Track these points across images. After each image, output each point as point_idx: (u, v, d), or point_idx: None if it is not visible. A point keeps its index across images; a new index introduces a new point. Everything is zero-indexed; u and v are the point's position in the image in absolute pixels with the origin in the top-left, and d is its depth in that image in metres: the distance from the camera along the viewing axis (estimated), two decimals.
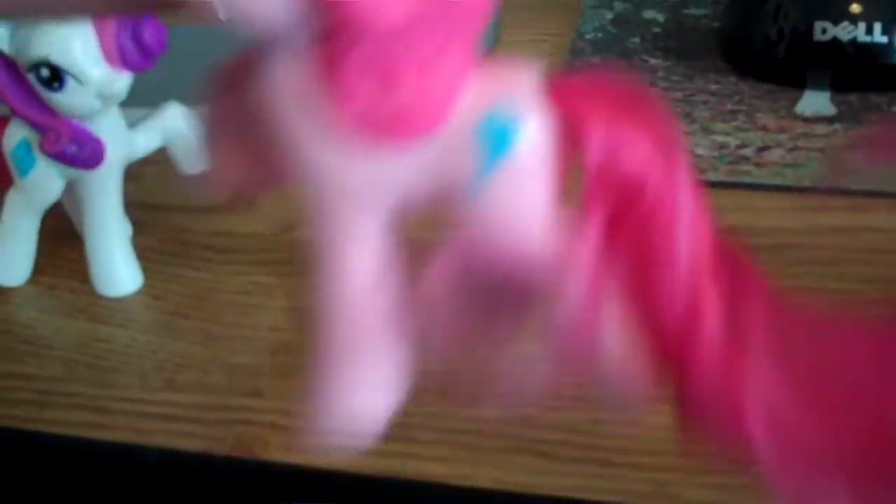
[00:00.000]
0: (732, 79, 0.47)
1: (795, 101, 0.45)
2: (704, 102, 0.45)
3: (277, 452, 0.29)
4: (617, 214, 0.16)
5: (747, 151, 0.41)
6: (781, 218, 0.29)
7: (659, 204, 0.16)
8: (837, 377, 0.16)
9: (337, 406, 0.18)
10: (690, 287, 0.16)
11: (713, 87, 0.47)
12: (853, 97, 0.45)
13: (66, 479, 0.30)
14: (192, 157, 0.35)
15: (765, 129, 0.43)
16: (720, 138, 0.42)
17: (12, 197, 0.35)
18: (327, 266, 0.17)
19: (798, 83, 0.46)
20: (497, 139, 0.15)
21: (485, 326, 0.17)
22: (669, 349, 0.17)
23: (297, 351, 0.32)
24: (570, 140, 0.15)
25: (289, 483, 0.28)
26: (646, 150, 0.16)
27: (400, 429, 0.29)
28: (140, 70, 0.32)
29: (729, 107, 0.45)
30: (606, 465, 0.27)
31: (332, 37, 0.14)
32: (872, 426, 0.16)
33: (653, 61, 0.50)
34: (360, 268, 0.17)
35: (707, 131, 0.43)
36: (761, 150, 0.41)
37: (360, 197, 0.16)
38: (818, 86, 0.45)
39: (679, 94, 0.46)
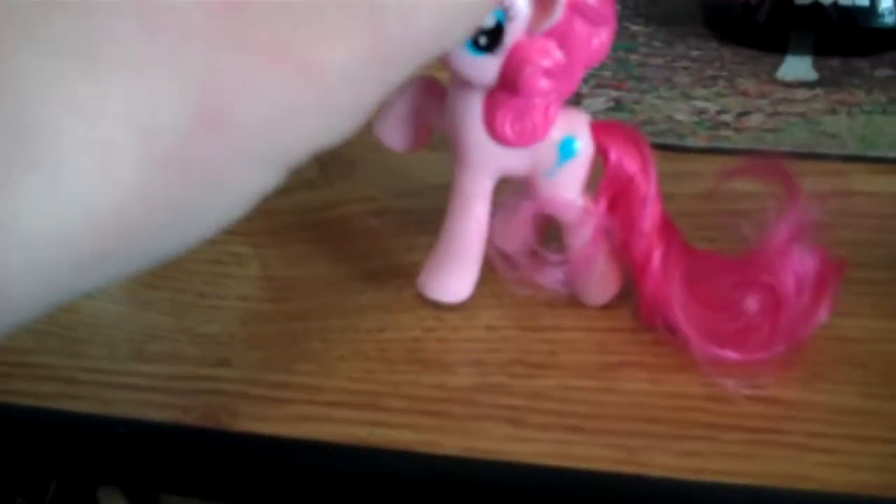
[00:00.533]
0: (714, 44, 0.47)
1: (777, 66, 0.44)
2: (685, 68, 0.45)
3: (246, 422, 0.28)
4: (616, 194, 0.29)
5: (727, 117, 0.41)
6: (758, 184, 0.29)
7: (638, 193, 0.29)
8: (713, 285, 0.30)
9: (444, 284, 0.31)
10: (648, 239, 0.30)
11: (694, 52, 0.46)
12: (835, 62, 0.44)
13: (35, 450, 0.29)
14: None
15: (745, 94, 0.42)
16: (700, 104, 0.42)
17: None
18: (459, 206, 0.30)
19: (779, 48, 0.45)
20: (567, 149, 0.29)
21: (535, 241, 0.30)
22: (635, 270, 0.30)
23: (267, 321, 0.32)
24: (599, 153, 0.29)
25: (257, 452, 0.28)
26: (636, 163, 0.29)
27: (368, 397, 0.29)
28: None
29: (709, 72, 0.44)
30: (577, 432, 0.27)
31: (501, 91, 0.28)
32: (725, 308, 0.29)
33: (634, 28, 0.49)
34: (477, 208, 0.30)
35: (687, 97, 0.43)
36: (741, 115, 0.41)
37: (490, 168, 0.30)
38: (799, 51, 0.45)
39: (660, 60, 0.46)
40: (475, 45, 0.27)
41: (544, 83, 0.27)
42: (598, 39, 0.27)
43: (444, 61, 0.27)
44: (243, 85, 0.17)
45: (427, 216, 0.36)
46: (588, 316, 0.31)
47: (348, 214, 0.37)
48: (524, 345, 0.30)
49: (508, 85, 0.27)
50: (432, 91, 0.30)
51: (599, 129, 0.29)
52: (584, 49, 0.27)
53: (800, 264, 0.28)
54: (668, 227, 0.30)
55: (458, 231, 0.30)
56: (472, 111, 0.28)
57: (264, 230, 0.37)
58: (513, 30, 0.27)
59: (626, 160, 0.29)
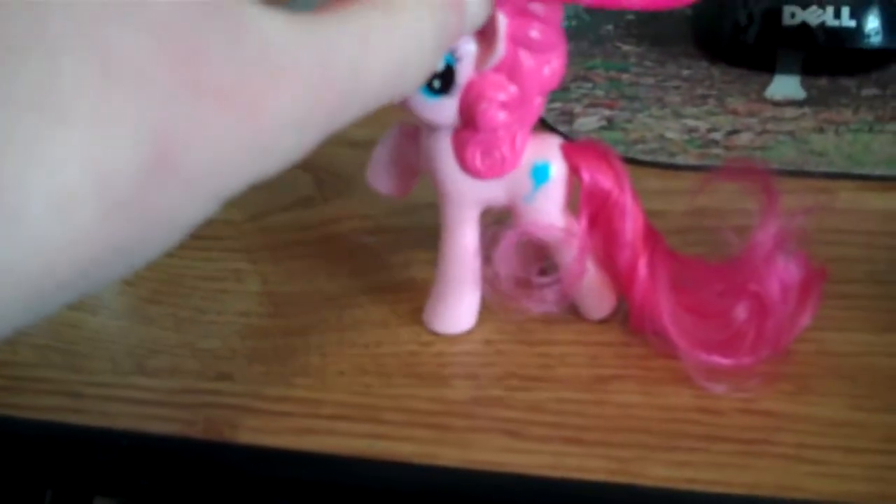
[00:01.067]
0: (704, 64, 0.48)
1: (766, 85, 0.45)
2: (676, 87, 0.46)
3: (247, 435, 0.29)
4: (595, 212, 0.30)
5: (717, 135, 0.42)
6: (747, 201, 0.30)
7: (616, 206, 0.30)
8: (699, 292, 0.31)
9: (444, 316, 0.32)
10: (632, 250, 0.30)
11: (685, 72, 0.47)
12: (823, 81, 0.45)
13: (38, 463, 0.30)
14: None
15: (735, 112, 0.43)
16: (691, 122, 0.43)
17: None
18: (447, 237, 0.31)
19: (768, 67, 0.46)
20: (540, 174, 0.30)
21: (525, 267, 0.31)
22: (621, 283, 0.31)
23: (266, 335, 0.32)
24: (573, 174, 0.30)
25: (258, 464, 0.28)
26: (610, 178, 0.30)
27: (367, 410, 0.30)
28: None
29: (700, 91, 0.45)
30: (572, 443, 0.28)
31: (465, 128, 0.29)
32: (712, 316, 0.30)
33: (626, 48, 0.50)
34: (465, 238, 0.31)
35: (678, 115, 0.43)
36: (731, 133, 0.42)
37: (470, 201, 0.31)
38: (788, 70, 0.46)
39: (651, 80, 0.47)
40: (430, 88, 0.28)
41: (501, 116, 0.28)
42: (549, 67, 0.28)
43: (404, 106, 0.29)
44: (195, 130, 0.18)
45: (421, 233, 0.37)
46: (581, 330, 0.32)
47: (345, 231, 0.38)
48: (519, 358, 0.31)
49: (468, 122, 0.29)
50: (409, 135, 0.31)
51: (570, 151, 0.30)
52: (536, 78, 0.28)
53: (784, 270, 0.29)
54: (651, 237, 0.30)
55: (450, 263, 0.31)
56: (443, 149, 0.30)
57: (262, 246, 0.37)
58: (463, 70, 0.28)
59: (599, 177, 0.30)
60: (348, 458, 0.28)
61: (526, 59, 0.28)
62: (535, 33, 0.27)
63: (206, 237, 0.38)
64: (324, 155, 0.43)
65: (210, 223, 0.38)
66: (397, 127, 0.32)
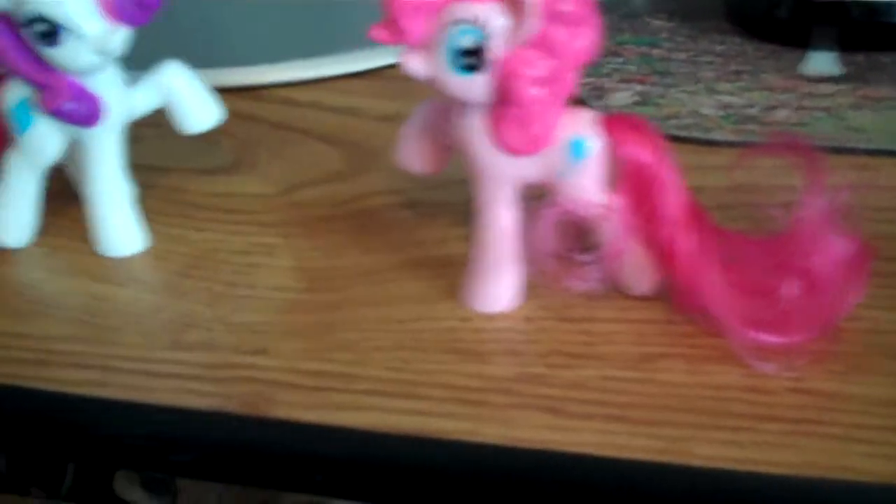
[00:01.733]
0: (737, 40, 0.47)
1: (800, 61, 0.44)
2: (709, 63, 0.45)
3: (282, 409, 0.28)
4: (634, 187, 0.30)
5: (753, 111, 0.41)
6: (788, 176, 0.29)
7: (656, 180, 0.30)
8: (745, 269, 0.30)
9: (482, 294, 0.31)
10: (673, 225, 0.30)
11: (718, 47, 0.46)
12: (860, 57, 0.44)
13: (72, 437, 0.29)
14: (191, 117, 0.35)
15: (770, 88, 0.43)
16: (725, 98, 0.42)
17: (13, 157, 0.34)
18: (483, 216, 0.31)
19: (802, 43, 0.45)
20: (577, 149, 0.29)
21: (565, 244, 0.30)
22: (663, 259, 0.30)
23: (302, 310, 0.32)
24: (612, 148, 0.30)
25: (294, 440, 0.28)
26: (648, 152, 0.30)
27: (405, 386, 0.29)
28: (137, 24, 0.32)
29: (733, 67, 0.45)
30: (617, 421, 0.27)
31: (499, 105, 0.29)
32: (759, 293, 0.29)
33: (657, 23, 0.49)
34: (501, 217, 0.30)
35: (712, 91, 0.43)
36: (767, 109, 0.41)
37: (505, 179, 0.30)
38: (823, 46, 0.45)
39: (683, 55, 0.46)
40: (460, 66, 0.28)
41: (535, 91, 0.28)
42: (582, 40, 0.28)
43: (434, 84, 0.28)
44: None
45: (456, 208, 0.37)
46: (624, 307, 0.31)
47: (376, 206, 0.37)
48: (561, 335, 0.30)
49: (502, 98, 0.28)
50: (441, 112, 0.31)
51: (607, 125, 0.29)
52: (570, 51, 0.28)
53: (832, 247, 0.28)
54: (693, 212, 0.30)
55: (487, 242, 0.31)
56: (476, 126, 0.29)
57: (293, 221, 0.37)
58: (493, 46, 0.28)
59: (638, 151, 0.29)
60: (386, 433, 0.28)
61: (559, 32, 0.27)
62: (567, 6, 0.27)
63: (236, 211, 0.37)
64: (350, 130, 0.43)
65: (239, 197, 0.38)
66: (428, 103, 0.32)
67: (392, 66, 0.47)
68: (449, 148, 0.32)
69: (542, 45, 0.27)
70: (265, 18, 0.52)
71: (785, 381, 0.28)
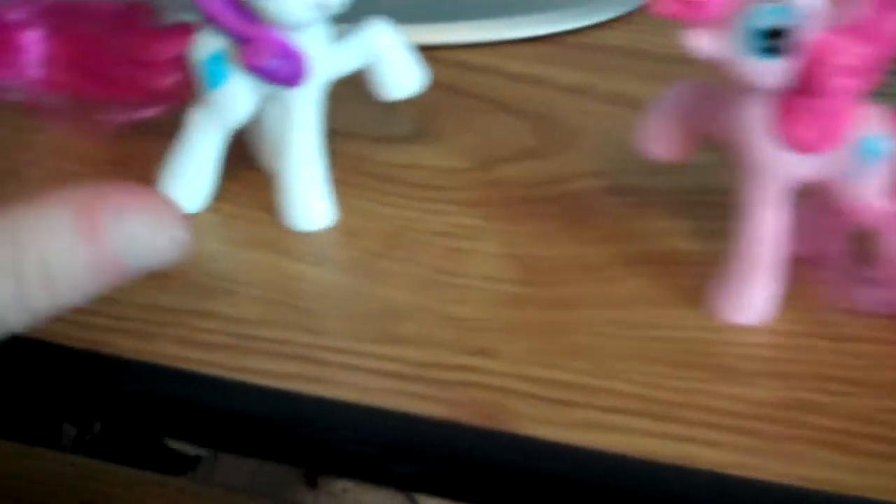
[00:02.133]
0: None
1: None
2: None
3: (519, 423, 0.25)
4: None
5: None
6: None
7: None
8: None
9: (737, 304, 0.28)
10: None
11: None
12: None
13: (274, 436, 0.26)
14: (394, 81, 0.31)
15: None
16: None
17: (197, 114, 0.31)
18: (749, 216, 0.27)
19: None
20: (869, 150, 0.26)
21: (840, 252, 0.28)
22: None
23: (522, 306, 0.29)
24: None
25: (538, 459, 0.25)
26: None
27: (656, 405, 0.26)
28: None
29: None
30: None
31: (799, 93, 0.25)
32: None
33: None
34: (769, 219, 0.27)
35: None
36: None
37: (781, 176, 0.26)
38: None
39: None
40: (760, 49, 0.24)
41: (847, 82, 0.24)
42: None
43: (725, 68, 0.25)
44: None
45: (669, 198, 0.33)
46: (894, 326, 0.27)
47: (579, 190, 0.34)
48: (832, 357, 0.27)
49: (805, 87, 0.24)
50: (704, 96, 0.27)
51: None
52: (892, 40, 0.24)
53: None
54: None
55: (748, 246, 0.27)
56: (758, 116, 0.26)
57: (493, 201, 0.33)
58: (805, 28, 0.24)
59: None
60: (643, 460, 0.24)
61: (891, 19, 0.24)
62: None
63: (428, 186, 0.34)
64: (538, 102, 0.39)
65: (432, 170, 0.35)
66: (687, 85, 0.28)
67: (571, 32, 0.43)
68: (701, 135, 0.28)
69: (867, 30, 0.24)
70: None
71: None
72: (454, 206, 0.33)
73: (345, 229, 0.32)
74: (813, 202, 0.27)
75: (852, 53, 0.24)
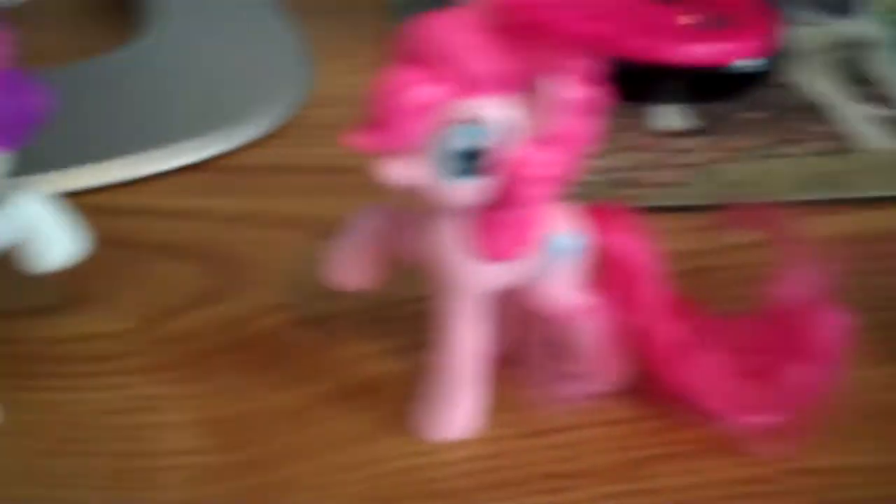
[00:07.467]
0: None
1: (645, 117, 0.44)
2: None
3: None
4: (614, 279, 0.28)
5: (627, 173, 0.40)
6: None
7: (638, 270, 0.28)
8: (731, 350, 0.28)
9: (443, 422, 0.27)
10: (650, 314, 0.28)
11: None
12: (705, 108, 0.45)
13: None
14: (46, 251, 0.28)
15: (632, 149, 0.42)
16: (595, 162, 0.41)
17: None
18: (448, 334, 0.27)
19: (642, 98, 0.45)
20: (559, 247, 0.26)
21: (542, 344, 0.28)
22: (642, 347, 0.28)
23: (222, 477, 0.26)
24: (594, 239, 0.27)
25: None
26: (631, 244, 0.28)
27: None
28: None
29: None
30: None
31: (496, 208, 0.25)
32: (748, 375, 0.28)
33: None
34: (468, 334, 0.27)
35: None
36: (639, 170, 0.40)
37: (476, 290, 0.26)
38: (667, 99, 0.45)
39: None
40: (457, 171, 0.24)
41: (541, 191, 0.25)
42: (591, 128, 0.25)
43: (419, 192, 0.24)
44: None
45: (358, 319, 0.32)
46: (596, 409, 0.28)
47: (268, 327, 0.32)
48: (548, 454, 0.27)
49: (500, 200, 0.24)
50: (393, 220, 0.27)
51: (590, 216, 0.27)
52: (583, 143, 0.25)
53: (823, 321, 0.27)
54: (673, 299, 0.28)
55: (449, 364, 0.27)
56: (451, 234, 0.25)
57: (172, 361, 0.30)
58: (501, 145, 0.24)
59: (618, 240, 0.27)
60: None
61: (577, 125, 0.24)
62: (582, 95, 0.24)
63: (93, 358, 0.31)
64: (200, 238, 0.36)
65: (95, 338, 0.31)
66: (373, 211, 0.27)
67: (221, 156, 0.41)
68: (392, 259, 0.27)
69: (559, 138, 0.24)
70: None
71: (783, 464, 0.27)
72: (128, 376, 0.30)
73: (5, 432, 0.28)
74: (507, 302, 0.27)
75: (544, 163, 0.24)
